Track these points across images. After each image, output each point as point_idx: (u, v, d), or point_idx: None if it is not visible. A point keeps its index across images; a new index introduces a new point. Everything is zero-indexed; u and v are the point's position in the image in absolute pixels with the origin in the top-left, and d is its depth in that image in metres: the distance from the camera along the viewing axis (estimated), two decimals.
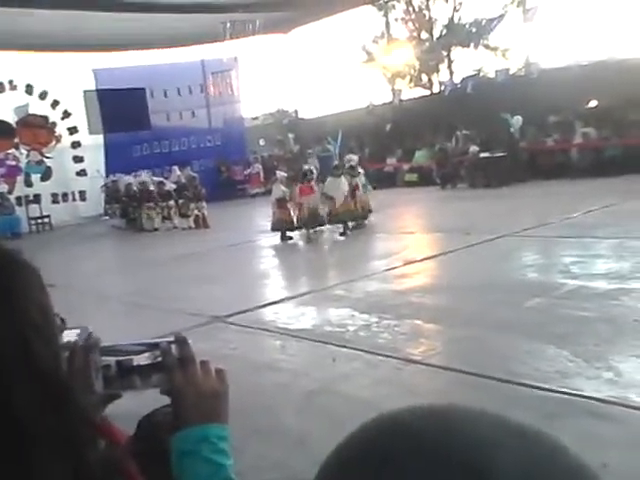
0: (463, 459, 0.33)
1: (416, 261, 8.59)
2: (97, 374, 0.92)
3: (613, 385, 3.85)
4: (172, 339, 0.94)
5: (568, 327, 4.99)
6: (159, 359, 0.93)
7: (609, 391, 3.76)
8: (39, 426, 0.73)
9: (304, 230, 11.89)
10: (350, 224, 11.98)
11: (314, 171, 12.44)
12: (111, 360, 0.93)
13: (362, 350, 5.05)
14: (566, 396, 3.72)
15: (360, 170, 12.86)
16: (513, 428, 0.36)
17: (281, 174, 12.77)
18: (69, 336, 0.92)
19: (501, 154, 17.46)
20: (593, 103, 17.54)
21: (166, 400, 1.66)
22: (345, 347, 5.20)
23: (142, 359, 0.93)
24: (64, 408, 0.77)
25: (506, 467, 0.32)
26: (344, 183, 11.93)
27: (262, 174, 23.61)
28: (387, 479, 0.34)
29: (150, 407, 1.70)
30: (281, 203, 11.97)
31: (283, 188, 12.10)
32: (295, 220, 11.93)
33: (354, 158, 13.26)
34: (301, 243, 11.73)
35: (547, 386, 3.87)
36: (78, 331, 0.93)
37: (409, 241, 10.75)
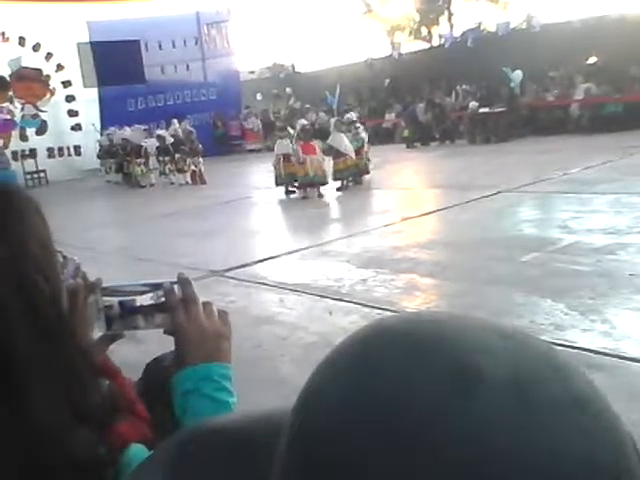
0: (449, 359, 0.34)
1: (414, 217, 8.59)
2: (99, 314, 0.92)
3: (607, 337, 3.90)
4: (175, 280, 0.93)
5: (564, 281, 5.02)
6: (162, 299, 0.92)
7: (603, 343, 3.81)
8: (36, 361, 0.73)
9: (308, 189, 11.77)
10: (347, 181, 11.95)
11: (309, 126, 12.34)
12: (114, 300, 0.92)
13: (359, 304, 5.09)
14: (561, 348, 3.71)
15: (359, 125, 12.78)
16: (501, 331, 0.36)
17: (291, 131, 12.59)
18: None
19: (501, 109, 17.30)
20: (592, 59, 17.28)
21: (172, 346, 1.67)
22: (342, 301, 5.24)
23: (145, 299, 0.92)
24: (62, 343, 0.77)
25: (494, 367, 0.33)
26: (346, 139, 11.83)
27: (261, 130, 23.43)
28: (368, 380, 0.35)
29: (153, 355, 1.72)
30: (287, 157, 11.86)
31: (288, 143, 11.96)
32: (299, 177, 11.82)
33: (353, 115, 13.17)
34: (299, 199, 11.69)
35: (542, 338, 3.90)
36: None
37: (407, 197, 10.74)
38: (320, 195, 11.55)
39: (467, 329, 0.36)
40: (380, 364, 0.35)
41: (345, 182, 11.87)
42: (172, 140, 16.05)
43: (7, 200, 0.79)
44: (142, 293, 0.92)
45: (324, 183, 11.66)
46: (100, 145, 19.08)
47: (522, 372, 0.33)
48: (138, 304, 0.92)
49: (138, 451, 0.86)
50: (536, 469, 0.30)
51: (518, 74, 17.92)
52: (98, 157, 19.20)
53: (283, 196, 11.91)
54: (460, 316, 0.38)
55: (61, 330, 0.78)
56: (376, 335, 0.38)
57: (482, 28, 22.80)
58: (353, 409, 0.34)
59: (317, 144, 11.90)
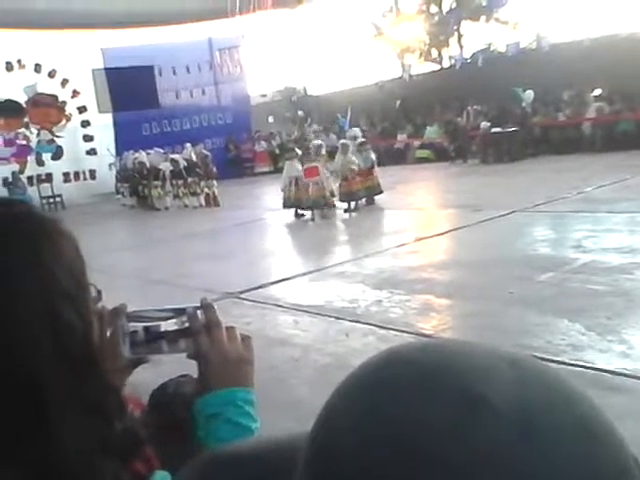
0: (459, 386, 0.35)
1: (427, 237, 8.58)
2: (124, 339, 0.93)
3: (625, 358, 3.86)
4: (198, 304, 0.95)
5: (580, 301, 4.99)
6: (186, 325, 0.94)
7: (621, 364, 3.78)
8: (65, 396, 0.73)
9: (312, 210, 11.83)
10: (358, 202, 11.98)
11: (317, 147, 12.36)
12: (139, 326, 0.94)
13: (374, 325, 5.08)
14: (578, 369, 3.73)
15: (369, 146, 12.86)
16: (506, 357, 0.38)
17: (299, 151, 12.68)
18: None
19: (513, 129, 17.31)
20: (598, 91, 17.25)
21: (179, 372, 1.67)
22: (357, 322, 5.23)
23: (170, 325, 0.94)
24: (91, 379, 0.77)
25: (501, 392, 0.34)
26: (351, 161, 11.88)
27: (274, 152, 23.67)
28: (383, 404, 0.36)
29: (165, 378, 1.72)
30: (297, 181, 11.92)
31: (299, 166, 12.02)
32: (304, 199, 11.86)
33: (357, 132, 13.21)
34: (311, 220, 11.72)
35: (559, 359, 3.89)
36: None
37: (420, 218, 10.74)
38: (324, 216, 11.57)
39: (475, 357, 0.38)
40: (393, 391, 0.37)
41: (355, 204, 11.90)
42: (185, 164, 16.20)
43: (43, 231, 0.79)
44: (167, 319, 0.94)
45: (325, 206, 11.68)
46: (119, 168, 19.24)
47: (528, 399, 0.35)
48: (163, 329, 0.94)
49: (162, 478, 0.87)
50: None
51: (529, 94, 17.96)
52: (117, 180, 19.38)
53: (296, 218, 11.96)
54: (469, 344, 0.40)
55: (91, 366, 0.78)
56: (388, 363, 0.39)
57: (492, 49, 22.91)
58: (368, 433, 0.36)
59: (320, 165, 11.89)
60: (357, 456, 0.35)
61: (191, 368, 1.03)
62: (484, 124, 18.02)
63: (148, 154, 17.85)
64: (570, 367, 3.78)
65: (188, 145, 17.86)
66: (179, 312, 0.94)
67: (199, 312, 0.94)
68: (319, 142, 12.87)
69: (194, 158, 16.42)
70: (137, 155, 17.84)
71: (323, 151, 12.31)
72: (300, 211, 11.97)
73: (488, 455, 0.32)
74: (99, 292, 0.86)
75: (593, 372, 3.67)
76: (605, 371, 3.70)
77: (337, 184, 11.91)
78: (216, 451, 0.62)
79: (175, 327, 0.94)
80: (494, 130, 17.60)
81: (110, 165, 20.64)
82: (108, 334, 0.92)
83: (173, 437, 1.26)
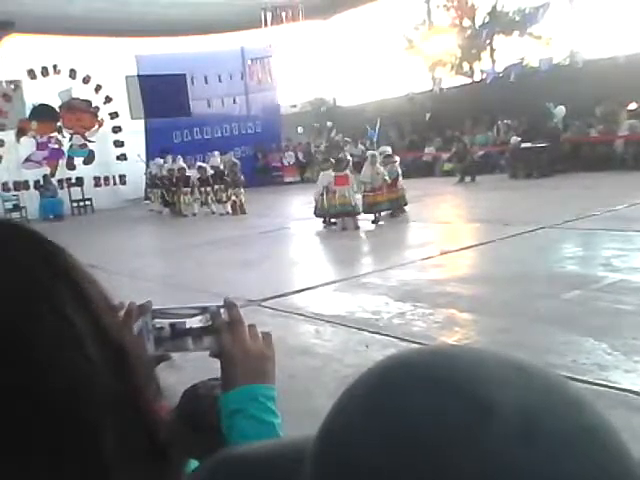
0: (463, 391, 0.35)
1: (453, 251, 8.52)
2: (149, 335, 0.94)
3: None
4: (221, 303, 0.96)
5: (607, 320, 4.90)
6: (210, 323, 0.95)
7: None
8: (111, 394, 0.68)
9: (345, 219, 11.85)
10: (382, 213, 12.00)
11: (348, 158, 12.45)
12: (165, 322, 0.95)
13: (396, 337, 5.05)
14: (603, 388, 3.66)
15: (396, 159, 12.88)
16: (513, 363, 0.38)
17: (333, 161, 12.72)
18: None
19: (543, 145, 17.14)
20: (633, 105, 17.02)
21: (208, 375, 1.68)
22: (379, 334, 5.20)
23: (194, 322, 0.96)
24: (133, 375, 0.73)
25: (505, 399, 0.34)
26: (379, 171, 11.92)
27: (298, 162, 23.76)
28: (390, 406, 0.36)
29: (190, 382, 1.73)
30: (329, 189, 11.92)
31: (332, 174, 12.04)
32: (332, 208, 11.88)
33: (388, 149, 13.28)
34: (336, 231, 11.72)
35: (584, 378, 3.81)
36: None
37: (446, 231, 10.67)
38: (357, 227, 11.59)
39: (481, 362, 0.38)
40: (400, 393, 0.37)
41: (377, 215, 11.91)
42: (212, 172, 16.36)
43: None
44: (191, 316, 0.96)
45: (355, 213, 11.69)
46: (150, 175, 19.39)
47: (532, 403, 0.35)
48: (188, 326, 0.96)
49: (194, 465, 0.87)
50: None
51: (561, 110, 17.78)
52: (147, 186, 19.59)
53: (320, 227, 11.98)
54: (476, 349, 0.40)
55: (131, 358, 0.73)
56: (393, 367, 0.39)
57: (525, 63, 22.74)
58: (376, 434, 0.36)
59: (350, 175, 11.95)
60: (363, 457, 0.35)
61: (214, 372, 1.03)
62: (514, 139, 17.89)
63: (174, 162, 18.05)
64: (595, 387, 3.71)
65: (216, 153, 18.02)
66: (203, 310, 0.96)
67: (222, 310, 0.96)
68: (342, 154, 12.99)
69: (221, 166, 16.58)
70: (172, 164, 17.95)
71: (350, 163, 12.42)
72: (330, 219, 12.01)
73: (497, 461, 0.32)
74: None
75: (618, 392, 3.60)
76: (630, 392, 3.62)
77: (361, 195, 11.94)
78: (225, 453, 0.61)
79: (200, 324, 0.96)
80: (524, 145, 17.46)
81: (145, 171, 20.85)
82: (134, 329, 0.93)
83: (200, 437, 1.29)
